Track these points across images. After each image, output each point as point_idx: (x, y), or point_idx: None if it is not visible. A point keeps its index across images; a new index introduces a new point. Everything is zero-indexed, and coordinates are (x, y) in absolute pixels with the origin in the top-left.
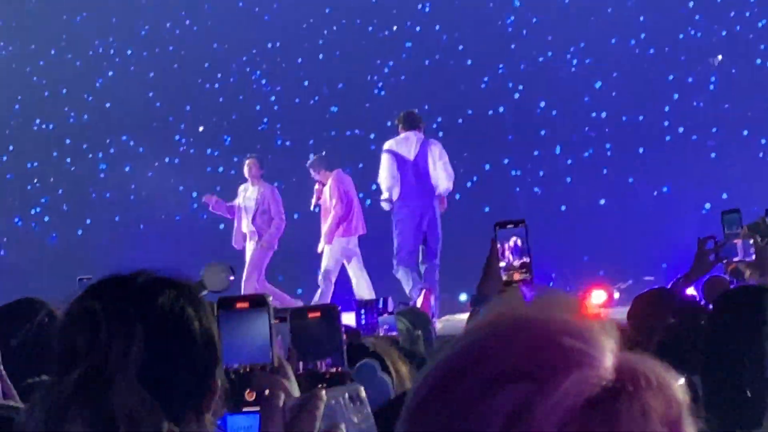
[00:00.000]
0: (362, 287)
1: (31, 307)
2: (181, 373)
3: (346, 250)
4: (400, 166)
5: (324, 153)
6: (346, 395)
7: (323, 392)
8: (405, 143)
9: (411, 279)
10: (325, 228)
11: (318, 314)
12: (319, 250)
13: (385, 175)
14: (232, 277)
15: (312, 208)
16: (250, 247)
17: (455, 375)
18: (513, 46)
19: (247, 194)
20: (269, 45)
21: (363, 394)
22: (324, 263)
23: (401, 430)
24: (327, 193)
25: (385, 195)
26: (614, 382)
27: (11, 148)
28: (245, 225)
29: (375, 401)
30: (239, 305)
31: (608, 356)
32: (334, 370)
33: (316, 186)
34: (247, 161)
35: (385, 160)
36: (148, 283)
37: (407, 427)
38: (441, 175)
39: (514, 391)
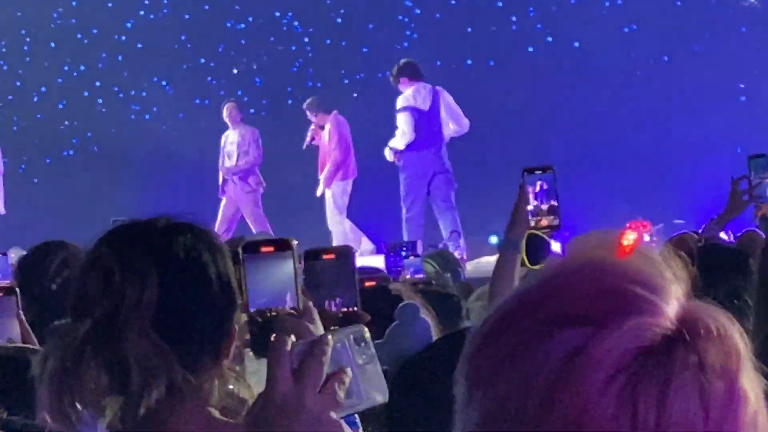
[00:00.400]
0: (345, 233)
1: (50, 251)
2: (197, 319)
3: (345, 192)
4: (417, 118)
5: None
6: (351, 337)
7: (329, 336)
8: (419, 95)
9: (418, 225)
10: (325, 172)
11: (332, 256)
12: (318, 193)
13: (408, 130)
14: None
15: (304, 147)
16: (233, 191)
17: (518, 313)
18: None
19: (229, 139)
20: None
21: (367, 335)
22: (330, 207)
23: (463, 364)
24: (326, 136)
25: (400, 147)
26: (673, 331)
27: (43, 89)
28: (226, 171)
29: (417, 341)
30: (264, 249)
31: (672, 304)
32: (346, 309)
33: (312, 127)
34: (226, 106)
35: (405, 116)
36: (165, 228)
37: (468, 361)
38: (460, 122)
39: (572, 334)
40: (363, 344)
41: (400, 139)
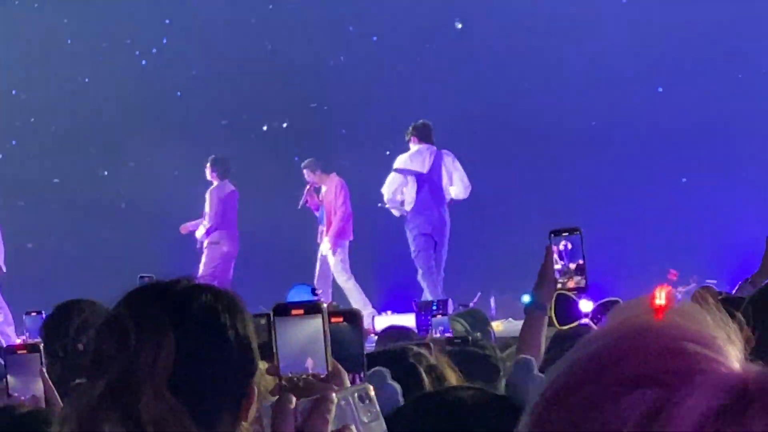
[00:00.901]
0: (354, 292)
1: (74, 309)
2: (215, 380)
3: (346, 252)
4: (414, 179)
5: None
6: (356, 395)
7: (333, 394)
8: (418, 157)
9: (433, 281)
10: (333, 230)
11: (341, 319)
12: (324, 252)
13: (389, 190)
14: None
15: (299, 207)
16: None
17: (584, 378)
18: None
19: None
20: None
21: (372, 393)
22: (337, 268)
23: (528, 428)
24: (330, 195)
25: (387, 205)
26: (744, 389)
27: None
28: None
29: (384, 406)
30: (294, 312)
31: (735, 364)
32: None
33: (308, 187)
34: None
35: (392, 177)
36: (184, 289)
37: (532, 428)
38: (459, 186)
39: (643, 396)
40: (367, 402)
41: (385, 195)
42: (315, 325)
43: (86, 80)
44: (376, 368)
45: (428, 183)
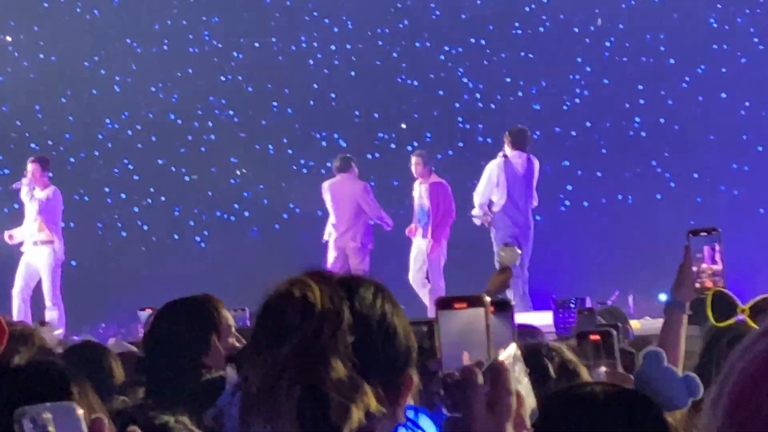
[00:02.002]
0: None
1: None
2: (379, 364)
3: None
4: (508, 182)
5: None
6: (512, 358)
7: (503, 362)
8: (513, 162)
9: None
10: (433, 228)
11: (464, 305)
12: (425, 248)
13: (481, 196)
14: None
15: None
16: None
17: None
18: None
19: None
20: (472, 41)
21: (519, 352)
22: (436, 265)
23: (716, 417)
24: (426, 193)
25: (476, 211)
26: None
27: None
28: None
29: None
30: (457, 305)
31: None
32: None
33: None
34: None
35: (485, 183)
36: (349, 277)
37: (724, 420)
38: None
39: None
40: (519, 363)
41: (478, 198)
42: (477, 317)
43: (223, 78)
44: (651, 349)
45: (519, 189)
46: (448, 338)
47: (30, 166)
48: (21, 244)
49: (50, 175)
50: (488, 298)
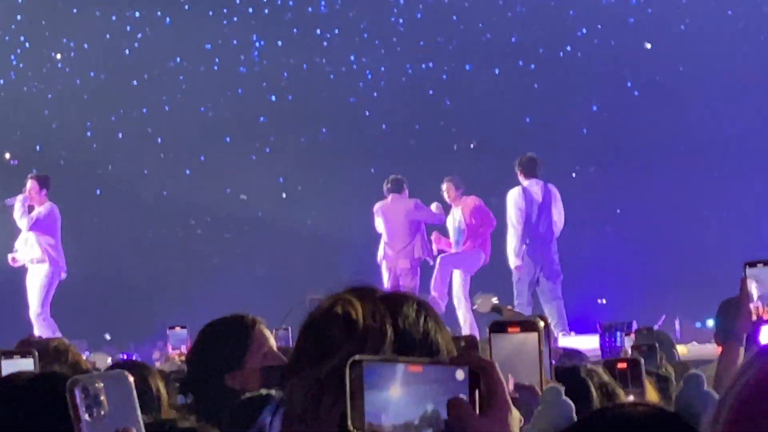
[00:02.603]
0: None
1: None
2: None
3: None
4: (527, 211)
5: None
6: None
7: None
8: (530, 190)
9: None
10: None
11: (518, 329)
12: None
13: (518, 222)
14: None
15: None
16: None
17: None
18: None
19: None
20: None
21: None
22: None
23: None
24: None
25: (514, 261)
26: None
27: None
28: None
29: (558, 424)
30: (511, 329)
31: None
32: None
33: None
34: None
35: (516, 212)
36: (392, 294)
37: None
38: (560, 218)
39: None
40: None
41: (514, 242)
42: (530, 342)
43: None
44: (551, 384)
45: (538, 215)
46: (501, 359)
47: (28, 183)
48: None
49: (47, 192)
50: (542, 323)
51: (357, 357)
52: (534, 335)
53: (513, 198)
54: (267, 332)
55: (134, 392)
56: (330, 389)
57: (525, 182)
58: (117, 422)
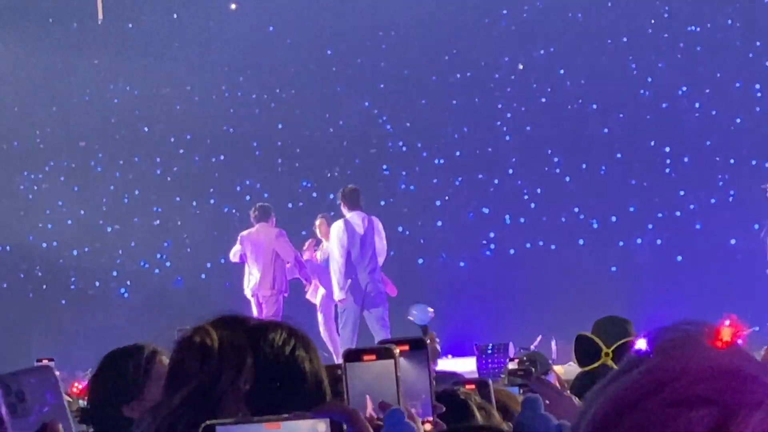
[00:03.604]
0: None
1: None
2: (285, 407)
3: None
4: (349, 243)
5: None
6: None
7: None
8: (352, 222)
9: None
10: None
11: (374, 357)
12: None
13: (339, 255)
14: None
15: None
16: None
17: (641, 395)
18: None
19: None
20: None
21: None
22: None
23: None
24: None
25: (339, 295)
26: None
27: (136, 192)
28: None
29: None
30: (366, 357)
31: None
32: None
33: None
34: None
35: (338, 245)
36: (261, 322)
37: None
38: (383, 247)
39: (701, 415)
40: None
41: (337, 275)
42: (387, 369)
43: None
44: (393, 407)
45: (362, 245)
46: (355, 390)
47: None
48: None
49: None
50: (397, 350)
51: (209, 422)
52: (390, 362)
53: (335, 231)
54: (167, 362)
55: (60, 385)
56: (182, 419)
57: (348, 214)
58: (43, 416)
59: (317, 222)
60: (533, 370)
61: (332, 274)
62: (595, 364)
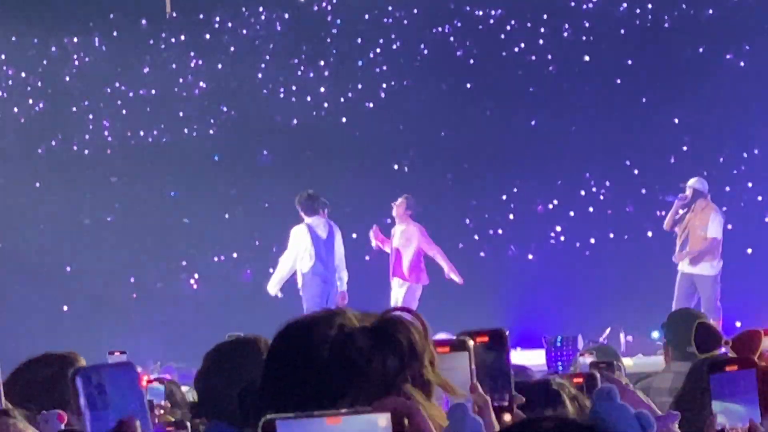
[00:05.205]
0: None
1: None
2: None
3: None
4: (314, 244)
5: None
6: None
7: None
8: (315, 225)
9: None
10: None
11: (486, 339)
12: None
13: (312, 253)
14: None
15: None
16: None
17: None
18: None
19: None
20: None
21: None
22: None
23: None
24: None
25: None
26: None
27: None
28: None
29: None
30: (440, 350)
31: None
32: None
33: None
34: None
35: (306, 242)
36: (416, 313)
37: None
38: (341, 252)
39: None
40: None
41: (282, 274)
42: (461, 360)
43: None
44: (456, 401)
45: (325, 249)
46: None
47: None
48: None
49: None
50: (471, 342)
51: (269, 416)
52: (464, 354)
53: (297, 235)
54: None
55: (139, 382)
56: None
57: (308, 219)
58: (120, 412)
59: (398, 201)
60: (615, 363)
61: (277, 273)
62: (715, 352)
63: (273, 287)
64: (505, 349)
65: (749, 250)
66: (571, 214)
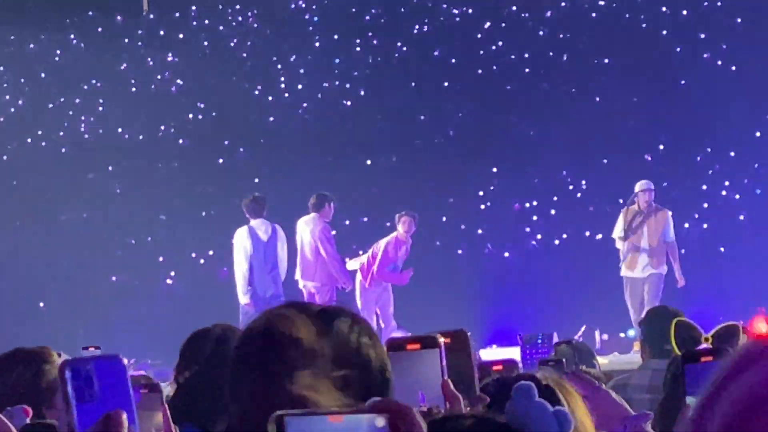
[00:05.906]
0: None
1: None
2: (359, 397)
3: None
4: (254, 246)
5: None
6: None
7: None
8: (256, 228)
9: None
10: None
11: (418, 346)
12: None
13: (242, 261)
14: None
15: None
16: None
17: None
18: None
19: None
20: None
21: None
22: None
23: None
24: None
25: (241, 296)
26: None
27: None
28: None
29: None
30: (410, 346)
31: None
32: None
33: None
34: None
35: (240, 253)
36: (325, 309)
37: None
38: (284, 255)
39: None
40: None
41: (241, 281)
42: (432, 357)
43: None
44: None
45: (264, 251)
46: (401, 380)
47: None
48: None
49: None
50: (442, 340)
51: (279, 412)
52: (435, 351)
53: (239, 238)
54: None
55: (128, 375)
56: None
57: (252, 222)
58: (108, 405)
59: (403, 219)
60: (564, 361)
61: (236, 280)
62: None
63: (243, 297)
64: (468, 350)
65: (722, 249)
66: (548, 212)
